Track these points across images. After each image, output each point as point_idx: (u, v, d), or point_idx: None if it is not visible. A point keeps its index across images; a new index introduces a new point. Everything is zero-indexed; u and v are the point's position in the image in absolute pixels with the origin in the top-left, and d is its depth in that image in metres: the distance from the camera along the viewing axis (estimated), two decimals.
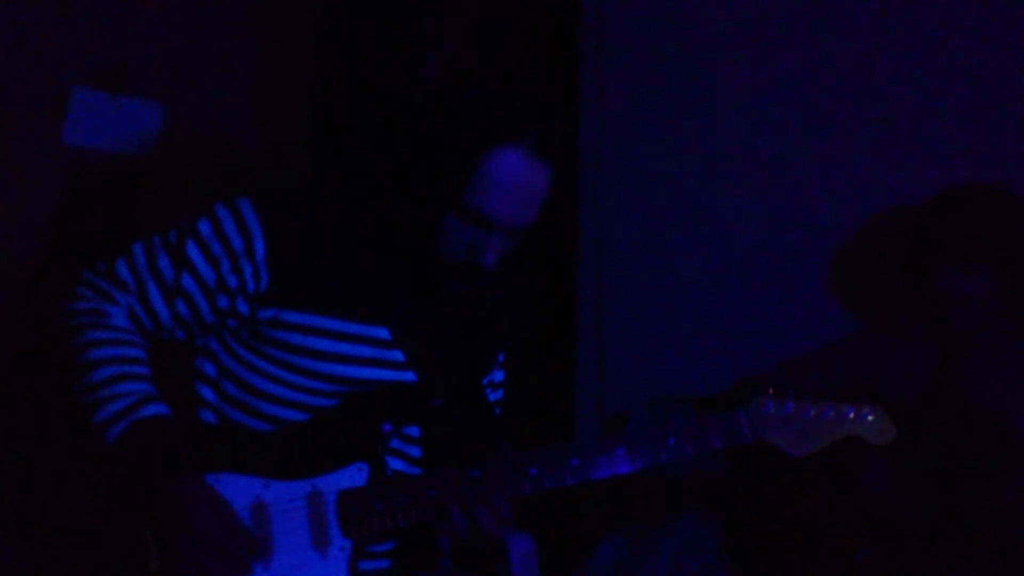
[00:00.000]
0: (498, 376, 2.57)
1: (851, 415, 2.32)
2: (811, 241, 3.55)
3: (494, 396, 2.55)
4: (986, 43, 3.41)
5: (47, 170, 3.57)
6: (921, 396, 3.08)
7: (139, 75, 3.71)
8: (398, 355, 2.36)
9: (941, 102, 3.46)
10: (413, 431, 2.41)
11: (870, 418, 2.32)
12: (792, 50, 3.58)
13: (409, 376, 2.37)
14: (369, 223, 2.38)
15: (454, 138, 2.22)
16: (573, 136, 3.69)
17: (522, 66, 3.80)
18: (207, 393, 2.39)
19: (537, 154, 2.23)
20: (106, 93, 3.64)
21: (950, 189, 3.12)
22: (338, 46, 3.80)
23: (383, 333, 2.35)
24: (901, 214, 3.33)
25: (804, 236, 3.56)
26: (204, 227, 2.32)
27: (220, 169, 3.84)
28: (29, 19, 3.50)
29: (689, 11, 3.67)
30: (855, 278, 3.53)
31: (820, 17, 3.56)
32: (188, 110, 3.80)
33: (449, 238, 2.27)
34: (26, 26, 3.49)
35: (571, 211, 3.72)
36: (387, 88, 3.72)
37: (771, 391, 2.32)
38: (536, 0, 3.89)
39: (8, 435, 3.04)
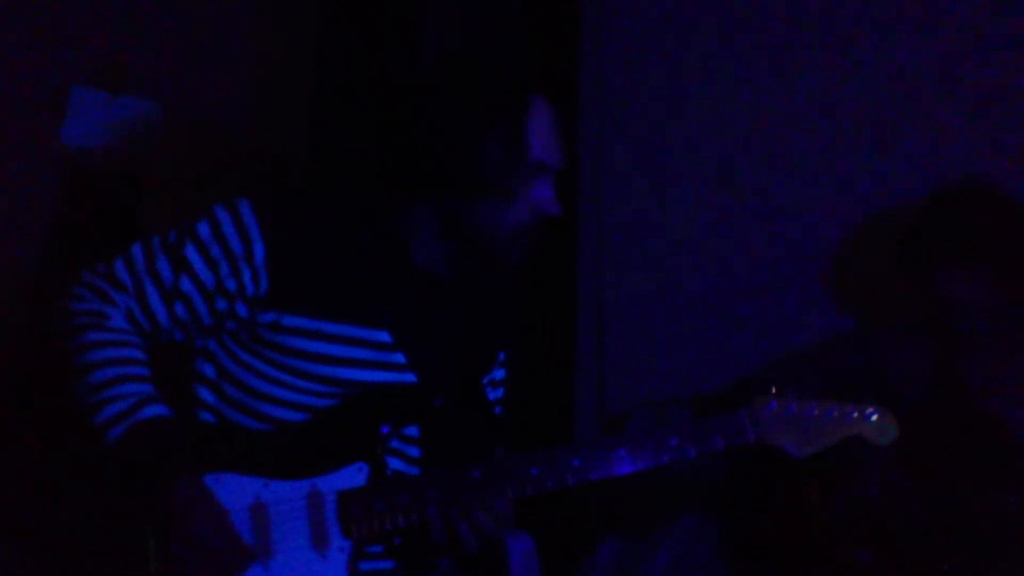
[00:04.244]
0: (498, 375, 2.57)
1: (854, 415, 2.32)
2: (811, 241, 3.55)
3: (494, 395, 2.55)
4: (986, 42, 3.42)
5: (47, 170, 3.57)
6: (920, 394, 3.08)
7: (139, 75, 3.71)
8: (399, 357, 2.36)
9: (941, 101, 3.46)
10: (413, 431, 2.40)
11: (874, 418, 2.32)
12: (792, 49, 3.59)
13: (410, 378, 2.37)
14: (369, 224, 2.38)
15: (493, 115, 2.30)
16: (573, 135, 3.69)
17: (522, 66, 3.80)
18: (206, 395, 2.38)
19: (544, 97, 2.38)
20: (106, 93, 3.64)
21: (946, 190, 3.11)
22: (338, 46, 3.79)
23: (384, 336, 2.35)
24: (901, 214, 3.33)
25: (804, 235, 3.56)
26: (203, 229, 2.31)
27: (220, 169, 3.84)
28: (29, 19, 3.50)
29: (689, 11, 3.67)
30: (855, 277, 3.53)
31: (820, 16, 3.56)
32: (188, 110, 3.80)
33: (518, 206, 2.33)
34: (26, 26, 3.49)
35: (571, 211, 3.72)
36: (387, 89, 3.71)
37: (774, 391, 2.32)
38: (536, 0, 3.89)
39: (8, 436, 3.04)
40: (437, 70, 2.38)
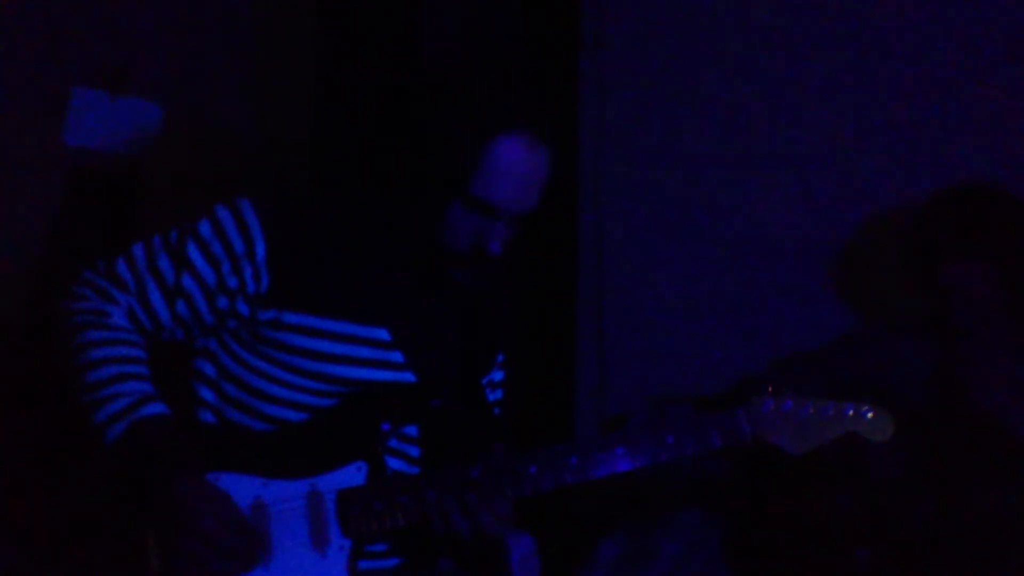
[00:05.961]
0: (497, 376, 2.57)
1: (850, 412, 2.32)
2: (811, 240, 3.55)
3: (493, 396, 2.55)
4: (987, 42, 3.42)
5: (47, 170, 3.57)
6: (921, 395, 3.08)
7: (139, 75, 3.71)
8: (397, 356, 2.36)
9: (942, 101, 3.46)
10: (412, 431, 2.41)
11: (869, 415, 2.32)
12: (792, 49, 3.59)
13: (408, 376, 2.37)
14: (370, 223, 2.38)
15: (457, 133, 2.25)
16: (573, 136, 3.70)
17: (522, 65, 3.81)
18: (206, 394, 2.39)
19: (536, 139, 2.26)
20: (106, 93, 3.64)
21: (953, 186, 3.13)
22: (338, 47, 3.80)
23: (383, 334, 2.35)
24: (902, 212, 3.33)
25: (804, 235, 3.56)
26: (204, 228, 2.32)
27: (220, 169, 3.84)
28: (29, 19, 3.50)
29: (689, 10, 3.67)
30: (856, 277, 3.53)
31: (821, 17, 3.57)
32: (188, 110, 3.80)
33: (455, 229, 2.29)
34: (26, 26, 3.49)
35: (571, 211, 3.72)
36: (387, 89, 3.72)
37: (770, 389, 2.33)
38: (536, 0, 3.89)
39: (8, 435, 3.05)
40: (443, 71, 2.38)
